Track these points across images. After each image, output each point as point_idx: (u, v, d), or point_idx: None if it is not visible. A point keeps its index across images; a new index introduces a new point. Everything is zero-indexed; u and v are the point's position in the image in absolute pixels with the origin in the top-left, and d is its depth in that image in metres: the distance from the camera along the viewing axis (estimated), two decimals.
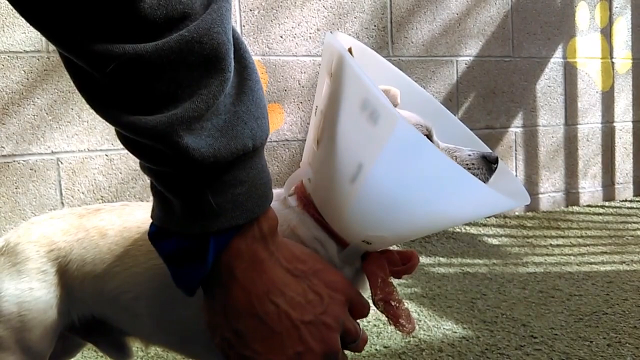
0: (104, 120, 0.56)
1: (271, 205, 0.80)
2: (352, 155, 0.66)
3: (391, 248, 0.78)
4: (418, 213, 0.67)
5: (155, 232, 0.62)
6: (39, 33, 2.01)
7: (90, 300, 0.86)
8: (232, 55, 0.56)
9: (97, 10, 0.50)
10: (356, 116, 0.63)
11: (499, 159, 0.81)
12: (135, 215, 0.87)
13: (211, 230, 0.58)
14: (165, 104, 0.53)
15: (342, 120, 0.66)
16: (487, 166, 0.76)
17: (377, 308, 0.74)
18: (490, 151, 0.77)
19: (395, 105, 0.86)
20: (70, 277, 0.84)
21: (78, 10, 0.50)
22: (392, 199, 0.65)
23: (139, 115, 0.53)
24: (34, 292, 0.83)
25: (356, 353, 0.75)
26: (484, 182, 0.75)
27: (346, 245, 0.75)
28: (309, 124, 2.89)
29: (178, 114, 0.53)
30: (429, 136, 0.80)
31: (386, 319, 0.75)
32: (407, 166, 0.61)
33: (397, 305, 0.73)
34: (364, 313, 0.71)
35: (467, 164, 0.76)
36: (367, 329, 1.55)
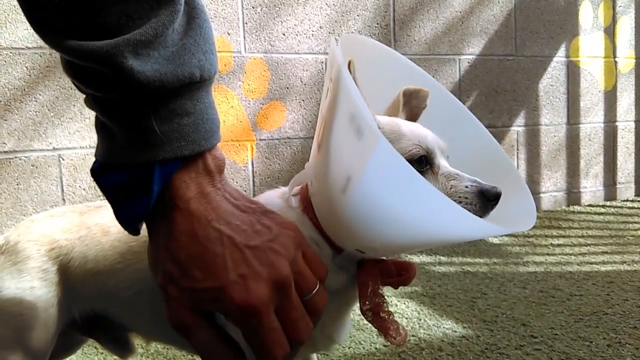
0: (34, 32, 0.57)
1: (274, 202, 0.80)
2: (343, 166, 0.66)
3: (389, 258, 0.78)
4: (406, 230, 0.66)
5: (98, 167, 0.61)
6: None
7: (92, 297, 0.86)
8: None
9: None
10: (346, 128, 0.64)
11: (522, 179, 0.79)
12: None
13: (156, 158, 0.57)
14: (114, 33, 0.53)
15: (335, 130, 0.66)
16: (482, 202, 0.72)
17: (365, 318, 0.74)
18: (494, 186, 0.73)
19: (423, 107, 0.85)
20: (72, 275, 0.85)
21: None
22: (379, 214, 0.64)
23: (87, 41, 0.53)
24: (35, 290, 0.83)
25: (353, 351, 0.74)
26: (477, 216, 0.71)
27: (341, 251, 0.75)
28: (310, 122, 2.89)
29: (125, 38, 0.53)
30: (428, 157, 0.76)
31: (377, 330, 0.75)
32: (391, 185, 0.61)
33: (386, 317, 0.73)
34: (319, 269, 0.64)
35: (461, 197, 0.73)
36: (365, 327, 1.55)
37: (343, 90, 0.64)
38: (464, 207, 0.71)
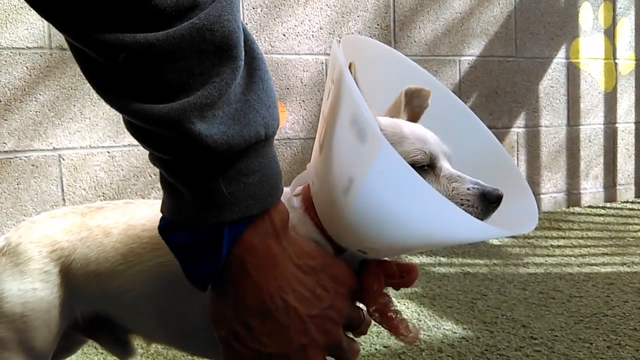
0: (106, 117, 0.56)
1: None
2: (345, 168, 0.66)
3: (392, 258, 0.78)
4: (407, 232, 0.66)
5: (166, 226, 0.62)
6: (42, 29, 2.00)
7: (93, 298, 0.86)
8: (242, 43, 0.56)
9: (109, 0, 0.50)
10: (348, 130, 0.64)
11: (525, 180, 0.79)
12: (139, 213, 0.87)
13: (225, 220, 0.58)
14: (177, 93, 0.53)
15: (337, 131, 0.66)
16: (483, 205, 0.72)
17: (374, 319, 0.74)
18: (496, 188, 0.73)
19: (425, 107, 0.85)
20: (74, 277, 0.85)
21: (91, 1, 0.50)
22: (381, 216, 0.65)
23: (150, 103, 0.53)
24: (37, 292, 0.83)
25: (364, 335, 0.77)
26: (478, 219, 0.71)
27: (343, 251, 0.75)
28: (311, 122, 2.90)
29: (190, 101, 0.53)
30: (431, 161, 0.76)
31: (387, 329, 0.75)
32: (393, 188, 0.61)
33: (395, 315, 0.73)
34: (364, 305, 0.73)
35: (462, 199, 0.73)
36: (371, 322, 1.55)
37: (345, 92, 0.64)
38: (466, 210, 0.71)
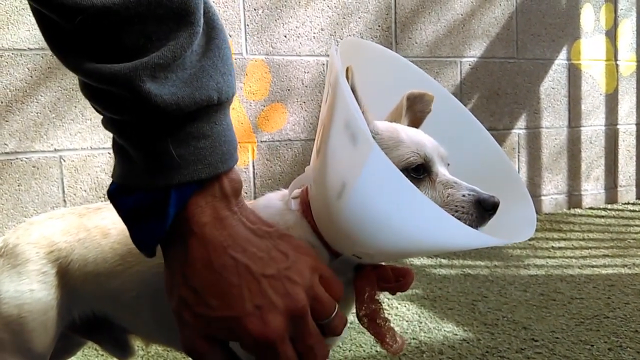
0: (53, 54, 0.57)
1: (274, 204, 0.80)
2: (339, 172, 0.66)
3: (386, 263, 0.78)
4: (399, 238, 0.66)
5: (115, 190, 0.61)
6: None
7: (92, 299, 0.86)
8: (201, 11, 0.56)
9: None
10: (342, 134, 0.64)
11: (525, 187, 0.78)
12: None
13: (172, 182, 0.57)
14: (133, 55, 0.53)
15: (332, 135, 0.66)
16: (478, 212, 0.71)
17: (362, 324, 0.73)
18: (492, 195, 0.72)
19: (427, 112, 0.85)
20: (72, 278, 0.85)
21: None
22: (373, 221, 0.64)
23: (105, 63, 0.53)
24: (35, 293, 0.83)
25: (354, 354, 0.73)
26: (473, 227, 0.71)
27: (339, 256, 0.75)
28: (311, 124, 2.89)
29: (143, 61, 0.53)
30: (426, 165, 0.75)
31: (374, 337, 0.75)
32: (384, 193, 0.61)
33: (383, 323, 0.73)
34: (336, 291, 0.64)
35: (457, 206, 0.72)
36: (366, 331, 1.54)
37: (339, 96, 0.64)
38: (460, 217, 0.70)
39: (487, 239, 0.64)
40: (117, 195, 0.60)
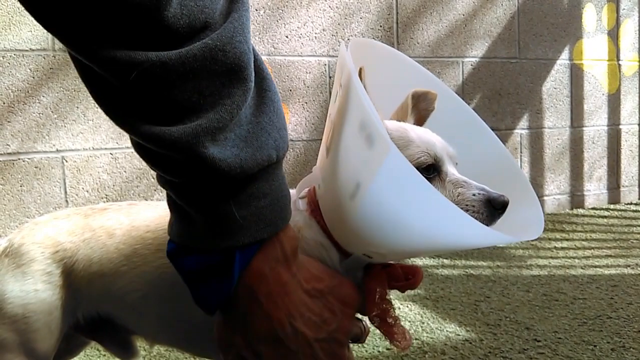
0: (109, 119, 0.55)
1: None
2: (352, 172, 0.66)
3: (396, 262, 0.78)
4: (414, 237, 0.66)
5: (174, 249, 0.61)
6: (45, 31, 1.99)
7: (96, 299, 0.86)
8: (252, 65, 0.56)
9: (121, 18, 0.49)
10: (356, 135, 0.64)
11: (531, 187, 0.79)
12: (143, 214, 0.87)
13: (237, 244, 0.58)
14: (188, 114, 0.52)
15: (345, 135, 0.66)
16: (489, 211, 0.72)
17: (372, 323, 0.74)
18: (501, 194, 0.73)
19: (431, 110, 0.85)
20: (77, 278, 0.85)
21: (102, 17, 0.49)
22: (387, 221, 0.65)
23: (160, 125, 0.52)
24: (39, 293, 0.83)
25: (356, 354, 0.77)
26: (484, 225, 0.71)
27: (349, 255, 0.75)
28: (313, 124, 2.89)
29: (202, 125, 0.52)
30: (436, 164, 0.76)
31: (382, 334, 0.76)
32: (400, 194, 0.61)
33: (393, 322, 0.73)
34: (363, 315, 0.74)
35: (468, 205, 0.73)
36: (370, 331, 1.54)
37: (353, 98, 0.63)
38: (471, 215, 0.71)
39: (501, 237, 0.65)
40: (177, 255, 0.62)
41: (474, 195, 0.73)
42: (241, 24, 0.54)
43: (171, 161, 0.54)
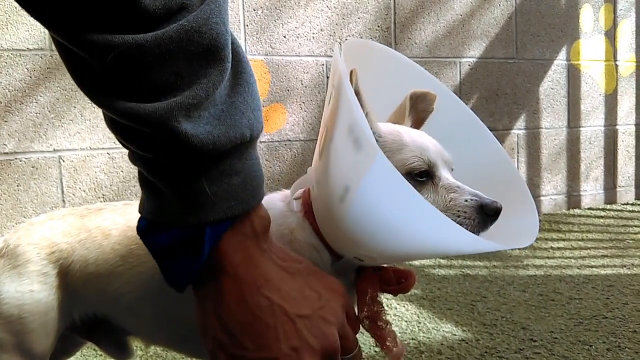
0: (81, 92, 0.56)
1: (276, 206, 0.80)
2: (342, 176, 0.66)
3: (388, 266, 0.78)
4: (403, 242, 0.66)
5: (145, 226, 0.61)
6: (43, 31, 1.99)
7: (93, 300, 0.86)
8: (230, 46, 0.56)
9: (99, 1, 0.50)
10: (345, 138, 0.64)
11: (529, 192, 0.78)
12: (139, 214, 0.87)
13: (208, 220, 0.57)
14: (165, 93, 0.53)
15: (335, 139, 0.66)
16: (481, 217, 0.71)
17: (363, 326, 0.73)
18: (495, 201, 0.72)
19: (430, 111, 0.85)
20: (73, 279, 0.85)
21: (81, 1, 0.50)
22: (375, 225, 0.64)
23: (136, 102, 0.53)
24: (35, 294, 0.83)
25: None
26: (475, 232, 0.71)
27: (341, 258, 0.75)
28: (311, 124, 2.89)
29: (177, 101, 0.53)
30: (429, 169, 0.75)
31: (374, 340, 0.75)
32: (388, 199, 0.61)
33: (384, 326, 0.73)
34: (355, 329, 0.69)
35: (460, 211, 0.72)
36: (365, 332, 1.55)
37: (343, 101, 0.64)
38: (462, 222, 0.71)
39: (488, 245, 0.64)
40: (149, 232, 0.61)
41: (466, 201, 0.72)
42: (218, 6, 0.54)
43: (144, 137, 0.54)
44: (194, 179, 0.57)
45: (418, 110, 0.85)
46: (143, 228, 0.61)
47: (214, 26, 0.54)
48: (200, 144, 0.54)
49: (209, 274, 0.60)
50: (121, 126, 0.55)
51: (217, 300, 0.60)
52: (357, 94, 0.66)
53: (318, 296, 0.62)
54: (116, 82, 0.53)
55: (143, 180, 0.61)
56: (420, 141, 0.77)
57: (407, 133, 0.78)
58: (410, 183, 0.60)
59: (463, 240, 0.62)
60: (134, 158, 0.59)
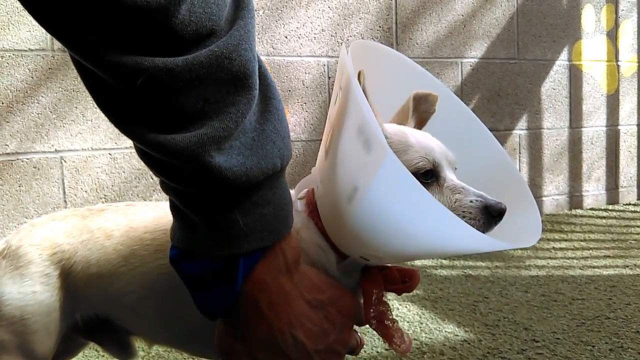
0: (108, 120, 0.55)
1: None
2: (350, 176, 0.66)
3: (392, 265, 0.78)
4: (410, 241, 0.67)
5: (177, 255, 0.61)
6: (44, 31, 1.99)
7: (95, 301, 0.86)
8: (257, 73, 0.56)
9: (128, 23, 0.49)
10: (354, 139, 0.64)
11: (530, 193, 0.79)
12: (141, 214, 0.87)
13: (240, 252, 0.58)
14: (193, 122, 0.52)
15: (343, 139, 0.66)
16: (485, 218, 0.72)
17: (370, 326, 0.74)
18: (499, 202, 0.72)
19: (432, 112, 0.85)
20: (75, 279, 0.85)
21: (109, 22, 0.49)
22: (384, 225, 0.65)
23: (166, 133, 0.52)
24: (37, 295, 0.83)
25: (358, 356, 0.78)
26: (480, 232, 0.72)
27: (346, 257, 0.75)
28: (312, 124, 2.89)
29: (208, 134, 0.52)
30: (434, 170, 0.76)
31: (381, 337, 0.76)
32: (397, 199, 0.62)
33: (391, 324, 0.74)
34: (360, 326, 0.75)
35: (465, 211, 0.73)
36: (367, 331, 1.54)
37: (352, 101, 0.64)
38: (467, 222, 0.71)
39: (496, 244, 0.65)
40: (180, 260, 0.61)
41: (471, 202, 0.73)
42: (247, 32, 0.54)
43: (176, 169, 0.54)
44: (226, 211, 0.57)
45: (420, 111, 0.85)
46: (175, 256, 0.62)
47: (243, 52, 0.53)
48: (233, 177, 0.54)
49: (241, 306, 0.62)
50: (152, 158, 0.55)
51: (246, 329, 0.63)
52: (364, 94, 0.66)
53: (333, 328, 0.67)
54: (143, 109, 0.52)
55: (174, 208, 0.61)
56: (425, 142, 0.77)
57: (411, 134, 0.78)
58: None
59: (470, 239, 0.63)
60: (165, 188, 0.59)
